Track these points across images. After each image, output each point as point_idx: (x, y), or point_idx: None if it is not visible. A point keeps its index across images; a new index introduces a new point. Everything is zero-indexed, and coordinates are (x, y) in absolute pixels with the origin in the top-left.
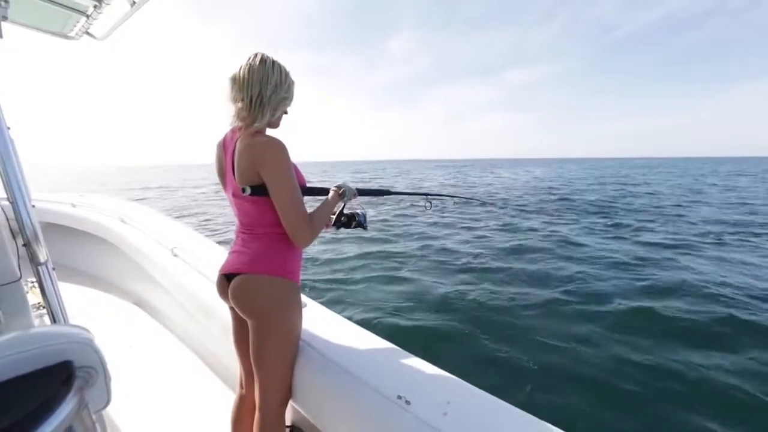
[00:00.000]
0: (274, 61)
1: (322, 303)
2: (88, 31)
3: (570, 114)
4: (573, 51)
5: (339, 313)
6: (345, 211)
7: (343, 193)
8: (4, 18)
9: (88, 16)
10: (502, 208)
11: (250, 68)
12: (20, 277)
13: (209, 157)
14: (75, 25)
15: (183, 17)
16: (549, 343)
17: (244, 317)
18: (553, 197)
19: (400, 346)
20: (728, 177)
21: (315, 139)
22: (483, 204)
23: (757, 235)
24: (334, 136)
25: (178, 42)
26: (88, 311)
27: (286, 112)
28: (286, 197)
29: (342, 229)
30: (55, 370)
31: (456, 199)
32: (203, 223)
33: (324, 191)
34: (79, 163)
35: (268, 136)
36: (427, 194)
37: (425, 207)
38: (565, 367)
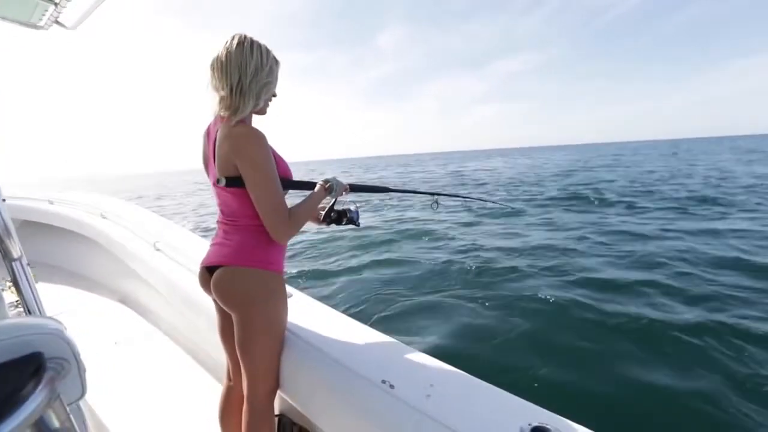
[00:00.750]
0: (252, 42)
1: (308, 293)
2: (58, 19)
3: (561, 101)
4: (562, 37)
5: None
6: (336, 207)
7: (330, 188)
8: None
9: (56, 4)
10: (519, 210)
11: (228, 54)
12: None
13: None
14: (44, 14)
15: (172, 27)
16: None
17: (227, 310)
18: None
19: (384, 333)
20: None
21: (305, 137)
22: (498, 205)
23: None
24: (324, 135)
25: (169, 51)
26: (71, 309)
27: (275, 95)
28: (262, 190)
29: (333, 226)
30: (23, 361)
31: (464, 199)
32: None
33: (310, 185)
34: (90, 172)
35: (247, 127)
36: (434, 193)
37: (432, 207)
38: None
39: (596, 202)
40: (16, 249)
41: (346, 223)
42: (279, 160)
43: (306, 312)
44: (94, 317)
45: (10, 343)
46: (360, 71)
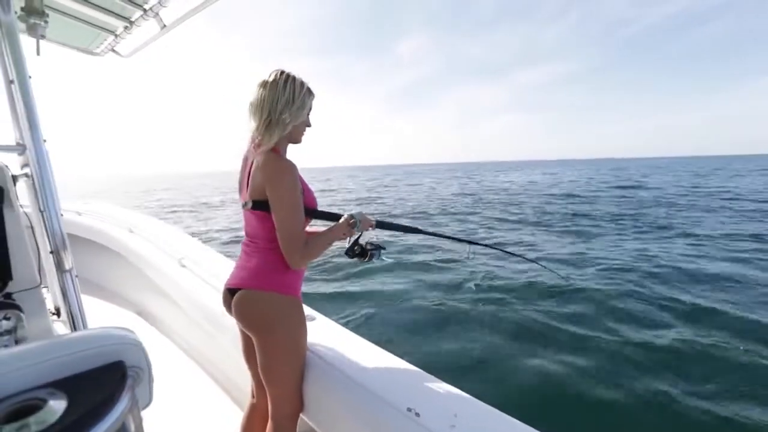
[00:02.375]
0: (287, 77)
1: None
2: (114, 48)
3: (583, 113)
4: (586, 48)
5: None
6: (360, 242)
7: (353, 224)
8: (43, 37)
9: (116, 36)
10: (568, 280)
11: (260, 93)
12: (40, 283)
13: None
14: (102, 43)
15: (203, 31)
16: None
17: (247, 332)
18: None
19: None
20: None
21: (319, 144)
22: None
23: None
24: (340, 141)
25: (199, 54)
26: (89, 319)
27: (309, 125)
28: (284, 217)
29: (355, 259)
30: (112, 368)
31: (495, 249)
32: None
33: (335, 217)
34: (124, 173)
35: (280, 158)
36: (470, 242)
37: (467, 258)
38: None
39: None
40: (68, 261)
41: (368, 260)
42: (306, 190)
43: (329, 336)
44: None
45: (100, 351)
46: (378, 78)
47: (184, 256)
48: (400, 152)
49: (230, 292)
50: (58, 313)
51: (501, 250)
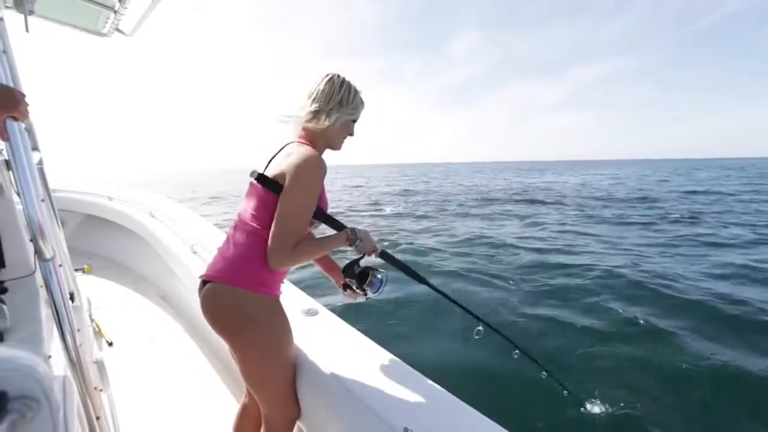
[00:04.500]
0: (344, 81)
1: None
2: (118, 27)
3: (645, 112)
4: (649, 44)
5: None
6: (362, 263)
7: (354, 240)
8: (31, 12)
9: (115, 12)
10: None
11: (317, 86)
12: (34, 271)
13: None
14: (106, 22)
15: (265, 34)
16: None
17: (216, 332)
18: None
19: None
20: None
21: (368, 141)
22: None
23: None
24: (390, 139)
25: (265, 55)
26: (115, 302)
27: (351, 133)
28: (290, 212)
29: (348, 280)
30: None
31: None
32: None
33: (336, 224)
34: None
35: (313, 153)
36: (479, 318)
37: (475, 336)
38: None
39: None
40: (48, 249)
41: (361, 288)
42: (322, 194)
43: (331, 334)
44: (136, 312)
45: None
46: (431, 77)
47: (197, 243)
48: (450, 150)
49: (204, 283)
50: (72, 297)
51: (517, 346)
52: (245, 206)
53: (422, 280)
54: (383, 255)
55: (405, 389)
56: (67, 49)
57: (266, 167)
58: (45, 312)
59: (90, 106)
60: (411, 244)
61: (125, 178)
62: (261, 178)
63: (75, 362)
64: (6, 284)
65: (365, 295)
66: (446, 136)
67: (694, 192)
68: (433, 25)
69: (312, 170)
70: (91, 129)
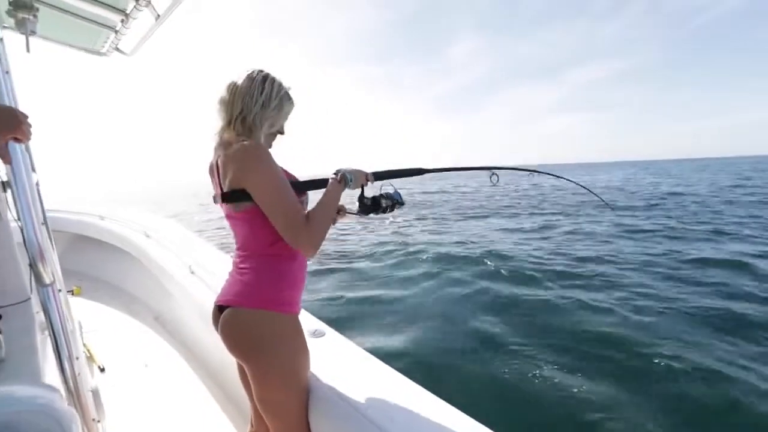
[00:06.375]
0: (266, 78)
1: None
2: (118, 46)
3: (646, 112)
4: (649, 42)
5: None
6: (367, 194)
7: (342, 178)
8: (33, 33)
9: (116, 32)
10: (613, 208)
11: (234, 85)
12: (29, 297)
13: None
14: (106, 41)
15: (258, 39)
16: None
17: (235, 358)
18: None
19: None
20: None
21: (367, 148)
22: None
23: None
24: (391, 146)
25: (259, 60)
26: (107, 325)
27: (281, 132)
28: (275, 200)
29: (372, 215)
30: None
31: (529, 174)
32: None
33: (322, 182)
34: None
35: (241, 143)
36: (491, 168)
37: (491, 181)
38: None
39: None
40: (48, 274)
41: (388, 209)
42: (284, 171)
43: (340, 357)
44: (129, 335)
45: None
46: (430, 82)
47: (194, 263)
48: (449, 155)
49: (219, 310)
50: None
51: (528, 170)
52: (238, 239)
53: (421, 171)
54: (378, 177)
55: (419, 412)
56: (66, 61)
57: (220, 187)
58: (40, 338)
59: (88, 119)
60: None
61: (130, 188)
62: (225, 197)
63: (73, 392)
64: (1, 311)
65: (393, 209)
66: (446, 141)
67: None
68: (430, 29)
69: (258, 158)
70: (88, 142)
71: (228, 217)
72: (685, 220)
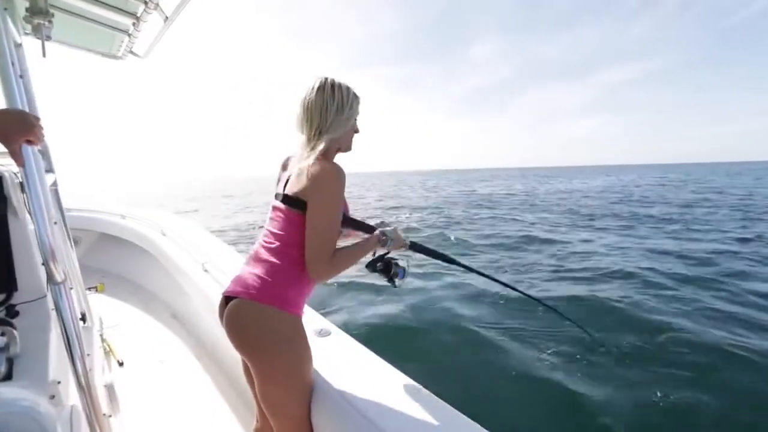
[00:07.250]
0: (333, 84)
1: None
2: (132, 50)
3: (676, 114)
4: (679, 42)
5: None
6: (386, 257)
7: (384, 242)
8: (48, 38)
9: (129, 35)
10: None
11: (309, 99)
12: (46, 294)
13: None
14: (121, 45)
15: (282, 44)
16: None
17: (237, 350)
18: None
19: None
20: None
21: (386, 148)
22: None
23: None
24: (412, 145)
25: (282, 67)
26: (127, 321)
27: (357, 131)
28: (322, 225)
29: (371, 271)
30: None
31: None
32: None
33: (368, 229)
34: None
35: (330, 163)
36: (510, 286)
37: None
38: None
39: None
40: (59, 272)
41: (391, 278)
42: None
43: (345, 357)
44: (146, 331)
45: None
46: (450, 83)
47: (207, 261)
48: (472, 157)
49: (226, 300)
50: (84, 318)
51: (535, 299)
52: (270, 225)
53: (452, 261)
54: (413, 247)
55: (424, 414)
56: (91, 66)
57: (285, 186)
58: (56, 335)
59: (109, 120)
60: None
61: (150, 188)
62: (285, 198)
63: (84, 388)
64: (18, 307)
65: (393, 284)
66: (467, 141)
67: None
68: (452, 33)
69: (333, 180)
70: (115, 142)
71: (276, 208)
72: None
